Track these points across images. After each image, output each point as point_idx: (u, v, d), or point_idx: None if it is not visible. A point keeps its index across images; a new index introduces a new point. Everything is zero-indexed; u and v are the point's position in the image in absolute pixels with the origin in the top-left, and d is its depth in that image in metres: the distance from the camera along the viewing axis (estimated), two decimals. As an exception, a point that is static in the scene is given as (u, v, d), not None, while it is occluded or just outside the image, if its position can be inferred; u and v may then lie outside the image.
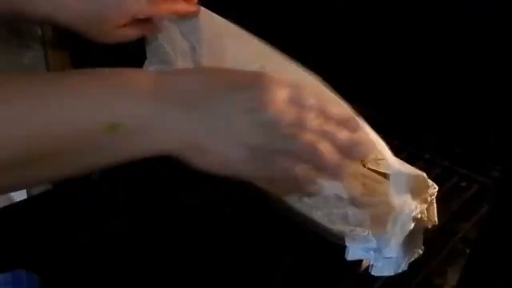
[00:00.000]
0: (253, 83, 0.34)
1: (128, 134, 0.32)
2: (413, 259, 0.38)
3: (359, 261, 0.38)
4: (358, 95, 0.64)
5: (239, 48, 0.52)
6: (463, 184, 0.50)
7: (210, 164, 0.34)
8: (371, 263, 0.38)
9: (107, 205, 0.49)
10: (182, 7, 0.53)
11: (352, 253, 0.36)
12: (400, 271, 0.38)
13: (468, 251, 0.41)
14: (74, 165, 0.33)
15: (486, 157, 0.53)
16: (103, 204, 0.49)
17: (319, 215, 0.39)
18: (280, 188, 0.40)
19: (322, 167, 0.34)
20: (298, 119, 0.34)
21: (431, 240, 0.40)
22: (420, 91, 0.59)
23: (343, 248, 0.37)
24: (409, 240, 0.38)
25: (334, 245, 0.37)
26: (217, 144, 0.33)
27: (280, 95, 0.34)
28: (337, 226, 0.38)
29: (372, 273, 0.38)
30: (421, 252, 0.39)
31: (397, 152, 0.41)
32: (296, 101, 0.34)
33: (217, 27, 0.54)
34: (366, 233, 0.37)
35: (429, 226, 0.40)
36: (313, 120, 0.34)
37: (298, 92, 0.35)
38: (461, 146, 0.54)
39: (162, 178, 0.51)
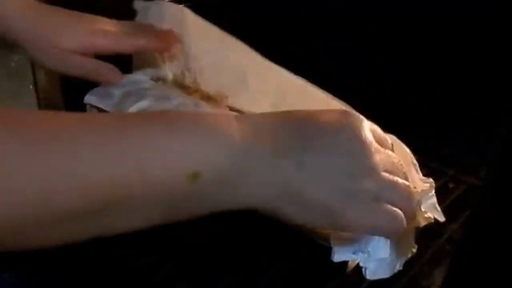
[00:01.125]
0: (344, 124, 0.33)
1: (213, 183, 0.29)
2: (407, 258, 0.38)
3: (346, 262, 0.38)
4: (346, 95, 0.64)
5: (224, 50, 0.53)
6: (451, 185, 0.50)
7: (309, 215, 0.32)
8: (361, 265, 0.37)
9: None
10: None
11: (338, 254, 0.36)
12: (395, 271, 0.37)
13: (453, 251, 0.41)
14: (143, 217, 0.29)
15: (475, 158, 0.53)
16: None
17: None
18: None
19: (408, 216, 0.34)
20: (392, 164, 0.34)
21: (418, 241, 0.40)
22: (407, 92, 0.59)
23: (329, 250, 0.36)
24: (400, 240, 0.38)
25: (320, 246, 0.36)
26: (316, 191, 0.31)
27: (371, 138, 0.33)
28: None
29: (367, 277, 0.37)
30: (414, 251, 0.39)
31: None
32: (381, 142, 0.35)
33: (202, 29, 0.55)
34: (351, 233, 0.37)
35: (421, 225, 0.40)
36: (399, 166, 0.34)
37: (375, 128, 0.35)
38: (449, 147, 0.55)
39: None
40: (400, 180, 0.33)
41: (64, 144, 0.26)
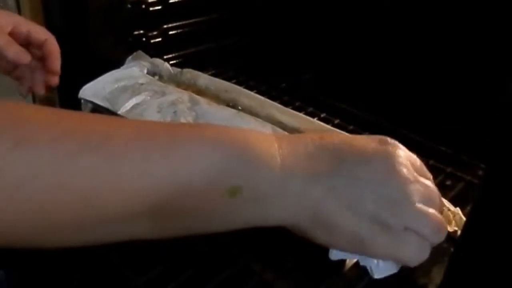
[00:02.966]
0: (381, 153, 0.33)
1: (250, 199, 0.30)
2: None
3: (343, 261, 0.38)
4: (344, 93, 0.64)
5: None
6: (449, 182, 0.50)
7: (336, 239, 0.33)
8: (362, 264, 0.37)
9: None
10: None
11: (336, 253, 0.35)
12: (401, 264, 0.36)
13: (452, 250, 0.40)
14: (181, 224, 0.31)
15: (472, 155, 0.53)
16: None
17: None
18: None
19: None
20: (428, 196, 0.33)
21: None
22: (404, 90, 0.59)
23: (326, 248, 0.36)
24: None
25: (317, 245, 0.36)
26: (345, 217, 0.32)
27: (407, 167, 0.33)
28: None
29: (374, 276, 0.35)
30: None
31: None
32: (419, 172, 0.34)
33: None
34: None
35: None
36: (436, 198, 0.34)
37: (415, 159, 0.35)
38: (447, 145, 0.54)
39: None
40: (432, 212, 0.33)
41: (114, 149, 0.27)
